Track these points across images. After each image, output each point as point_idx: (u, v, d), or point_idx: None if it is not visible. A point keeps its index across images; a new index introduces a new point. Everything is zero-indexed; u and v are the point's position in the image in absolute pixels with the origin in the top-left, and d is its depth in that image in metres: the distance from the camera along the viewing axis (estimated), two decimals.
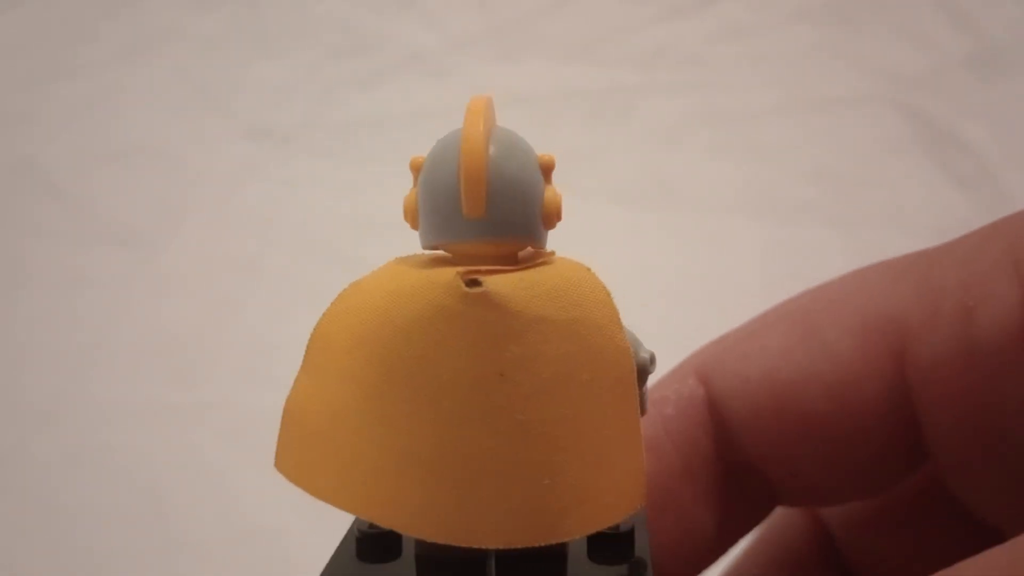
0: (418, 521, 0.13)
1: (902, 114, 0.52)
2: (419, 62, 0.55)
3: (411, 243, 0.16)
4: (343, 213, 0.50)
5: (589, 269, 0.15)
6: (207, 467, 0.42)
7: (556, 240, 0.15)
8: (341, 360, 0.14)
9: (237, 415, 0.43)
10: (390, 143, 0.52)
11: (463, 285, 0.13)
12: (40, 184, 0.52)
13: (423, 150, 0.14)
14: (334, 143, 0.53)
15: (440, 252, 0.15)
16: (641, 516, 0.17)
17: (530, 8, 0.57)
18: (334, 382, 0.14)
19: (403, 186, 0.15)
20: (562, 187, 0.15)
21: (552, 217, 0.14)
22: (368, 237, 0.45)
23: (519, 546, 0.13)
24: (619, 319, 0.14)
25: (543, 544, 0.13)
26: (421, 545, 0.15)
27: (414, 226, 0.14)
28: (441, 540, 0.13)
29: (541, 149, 0.14)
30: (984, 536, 0.17)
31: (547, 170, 0.14)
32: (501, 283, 0.13)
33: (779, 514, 0.23)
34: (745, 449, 0.19)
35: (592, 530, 0.14)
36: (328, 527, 0.17)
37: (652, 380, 0.16)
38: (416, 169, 0.14)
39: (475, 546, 0.13)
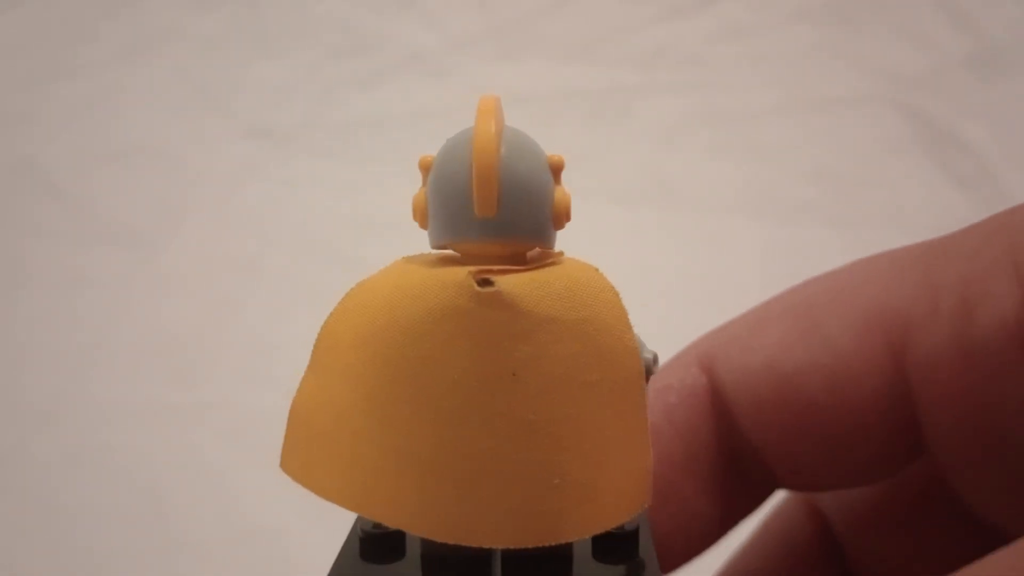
0: (424, 520, 0.13)
1: (902, 114, 0.52)
2: (419, 62, 0.55)
3: (411, 243, 0.16)
4: (343, 213, 0.50)
5: (597, 269, 0.15)
6: (207, 467, 0.42)
7: (557, 240, 0.15)
8: (348, 359, 0.14)
9: (237, 415, 0.43)
10: (390, 143, 0.52)
11: (475, 285, 0.13)
12: (40, 184, 0.52)
13: (423, 150, 0.14)
14: (334, 143, 0.53)
15: (448, 252, 0.15)
16: (643, 514, 0.17)
17: (530, 8, 0.57)
18: (340, 381, 0.14)
19: (403, 186, 0.15)
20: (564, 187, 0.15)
21: (561, 217, 0.14)
22: (368, 237, 0.45)
23: (525, 546, 0.13)
24: (628, 320, 0.14)
25: (549, 544, 0.13)
26: (427, 545, 0.15)
27: (423, 225, 0.14)
28: (447, 540, 0.13)
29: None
30: (984, 534, 0.17)
31: (556, 170, 0.14)
32: (512, 283, 0.13)
33: (781, 510, 0.23)
34: (746, 437, 0.19)
35: (598, 530, 0.14)
36: (328, 527, 0.17)
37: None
38: (425, 168, 0.14)
39: (481, 546, 0.13)
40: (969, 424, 0.17)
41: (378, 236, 0.39)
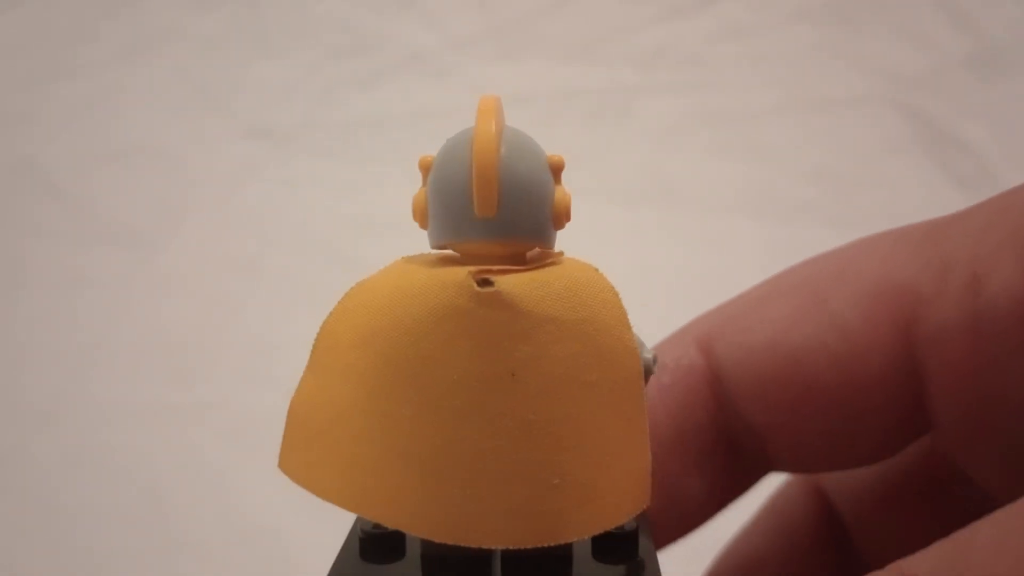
0: (423, 521, 0.13)
1: (902, 114, 0.52)
2: (419, 62, 0.55)
3: (411, 243, 0.16)
4: (343, 213, 0.50)
5: (597, 270, 0.15)
6: (207, 467, 0.42)
7: (557, 240, 0.15)
8: (347, 359, 0.14)
9: (237, 415, 0.43)
10: (390, 143, 0.52)
11: (475, 285, 0.13)
12: (40, 184, 0.52)
13: (423, 150, 0.14)
14: (334, 143, 0.53)
15: (448, 252, 0.15)
16: (643, 514, 0.17)
17: (530, 8, 0.57)
18: (340, 381, 0.14)
19: (403, 186, 0.15)
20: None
21: (561, 217, 0.14)
22: (368, 237, 0.45)
23: (525, 546, 0.13)
24: (627, 320, 0.14)
25: (549, 545, 0.13)
26: (427, 545, 0.15)
27: (423, 225, 0.14)
28: (447, 540, 0.13)
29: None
30: (990, 510, 0.16)
31: (557, 170, 0.14)
32: (512, 283, 0.13)
33: (784, 490, 0.23)
34: (746, 417, 0.19)
35: (598, 530, 0.14)
36: (328, 527, 0.17)
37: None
38: (425, 168, 0.14)
39: (481, 546, 0.13)
40: (977, 400, 0.17)
41: (378, 236, 0.39)
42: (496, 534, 0.13)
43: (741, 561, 0.23)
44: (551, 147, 0.14)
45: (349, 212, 0.50)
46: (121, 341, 0.46)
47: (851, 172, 0.51)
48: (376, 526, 0.15)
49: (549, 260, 0.14)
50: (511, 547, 0.13)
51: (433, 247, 0.15)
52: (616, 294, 0.14)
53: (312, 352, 0.15)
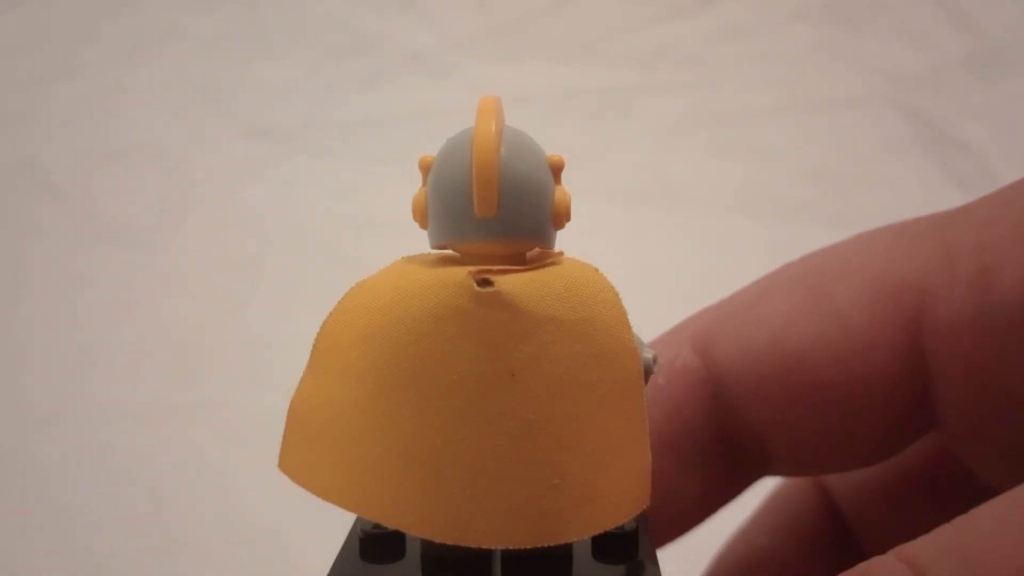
0: (423, 521, 0.13)
1: (902, 114, 0.52)
2: (419, 62, 0.55)
3: (411, 243, 0.16)
4: (343, 213, 0.50)
5: (597, 270, 0.15)
6: (207, 467, 0.42)
7: (557, 240, 0.15)
8: (347, 359, 0.14)
9: (237, 415, 0.43)
10: (390, 143, 0.52)
11: (475, 285, 0.13)
12: (40, 184, 0.52)
13: (423, 150, 0.14)
14: (334, 143, 0.53)
15: (448, 252, 0.15)
16: (644, 514, 0.17)
17: (530, 8, 0.57)
18: (340, 381, 0.14)
19: (403, 186, 0.15)
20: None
21: (561, 217, 0.14)
22: (368, 237, 0.45)
23: (525, 546, 0.13)
24: (627, 320, 0.14)
25: (550, 545, 0.13)
26: (427, 545, 0.15)
27: (423, 225, 0.14)
28: (447, 540, 0.13)
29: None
30: None
31: (556, 170, 0.14)
32: (512, 283, 0.13)
33: (786, 485, 0.23)
34: (745, 418, 0.19)
35: (598, 530, 0.14)
36: (328, 527, 0.17)
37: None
38: (425, 168, 0.14)
39: (481, 546, 0.13)
40: (984, 390, 0.16)
41: (378, 236, 0.39)
42: (496, 534, 0.13)
43: (742, 559, 0.23)
44: (551, 147, 0.14)
45: (349, 212, 0.50)
46: (121, 341, 0.46)
47: (851, 172, 0.51)
48: (376, 526, 0.15)
49: (549, 260, 0.14)
50: (511, 547, 0.13)
51: (433, 247, 0.15)
52: (616, 294, 0.14)
53: (312, 352, 0.15)
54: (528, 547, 0.13)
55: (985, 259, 0.16)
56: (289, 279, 0.48)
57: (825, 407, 0.18)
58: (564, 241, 0.15)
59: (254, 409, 0.42)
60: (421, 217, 0.14)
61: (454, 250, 0.14)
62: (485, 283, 0.13)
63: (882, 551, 0.21)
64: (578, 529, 0.13)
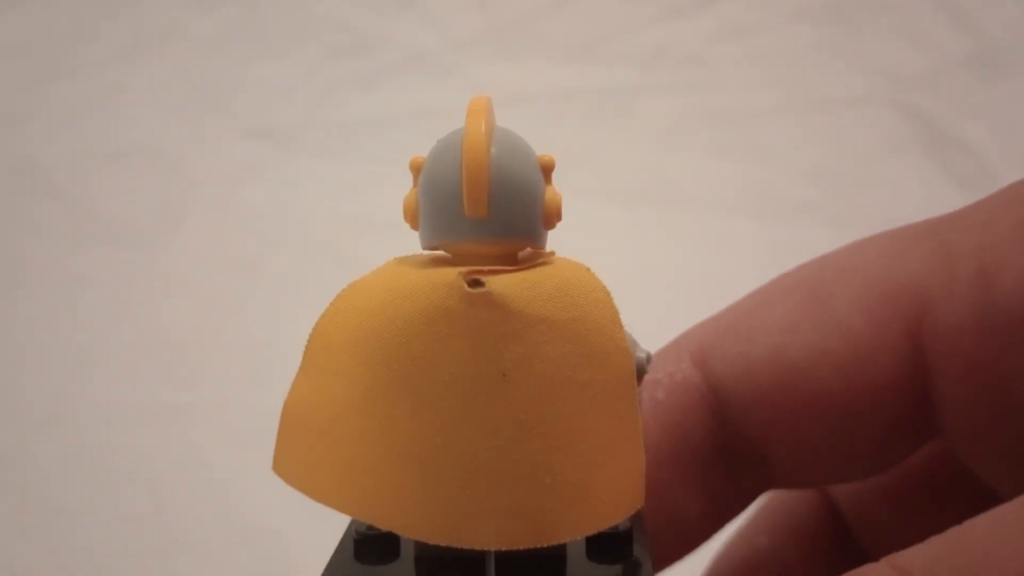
0: (415, 522, 0.13)
1: (902, 114, 0.52)
2: (419, 62, 0.55)
3: (411, 243, 0.16)
4: (343, 213, 0.50)
5: (589, 269, 0.15)
6: (207, 467, 0.42)
7: (556, 240, 0.15)
8: (339, 360, 0.14)
9: (237, 415, 0.43)
10: (390, 143, 0.52)
11: (465, 285, 0.13)
12: (40, 184, 0.52)
13: (423, 150, 0.14)
14: (334, 143, 0.53)
15: (440, 252, 0.15)
16: (639, 514, 0.17)
17: (530, 8, 0.57)
18: (332, 382, 0.14)
19: (403, 186, 0.15)
20: (562, 187, 0.15)
21: (552, 217, 0.14)
22: (368, 237, 0.45)
23: (518, 547, 0.13)
24: (619, 319, 0.14)
25: (543, 545, 0.13)
26: (420, 546, 0.15)
27: (414, 226, 0.14)
28: (439, 541, 0.13)
29: (541, 149, 0.14)
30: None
31: (547, 170, 0.14)
32: (503, 283, 0.13)
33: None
34: (745, 431, 0.19)
35: (592, 531, 0.14)
36: (328, 527, 0.17)
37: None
38: (416, 169, 0.14)
39: (474, 547, 0.13)
40: (985, 394, 0.16)
41: (378, 236, 0.39)
42: (490, 535, 0.13)
43: (742, 560, 0.23)
44: (551, 147, 0.14)
45: (349, 212, 0.50)
46: (121, 341, 0.46)
47: (851, 172, 0.51)
48: (371, 527, 0.15)
49: (541, 260, 0.14)
50: (505, 548, 0.13)
51: (424, 248, 0.15)
52: (608, 294, 0.14)
53: (305, 353, 0.15)
54: (522, 548, 0.13)
55: (985, 260, 0.16)
56: (289, 279, 0.48)
57: (826, 416, 0.18)
58: (564, 241, 0.15)
59: (254, 409, 0.42)
60: (412, 218, 0.14)
61: (445, 251, 0.14)
62: (475, 284, 0.13)
63: (883, 552, 0.21)
64: (571, 529, 0.13)
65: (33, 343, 0.46)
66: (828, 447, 0.18)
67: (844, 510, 0.22)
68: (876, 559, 0.22)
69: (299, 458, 0.14)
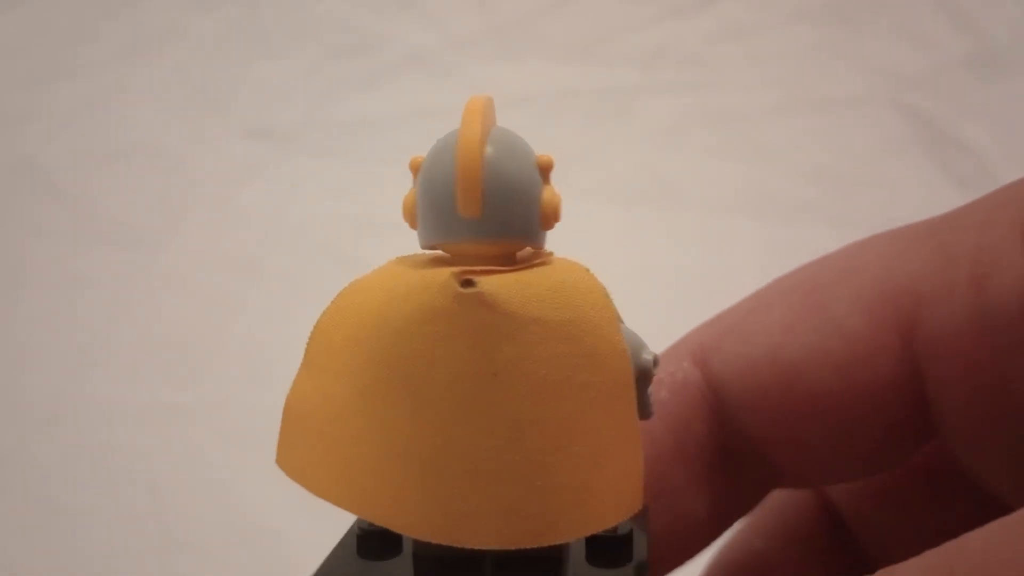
0: (410, 519, 0.13)
1: (902, 114, 0.52)
2: (419, 62, 0.55)
3: (411, 243, 0.16)
4: (343, 213, 0.50)
5: (587, 270, 0.15)
6: (207, 467, 0.42)
7: (556, 240, 0.15)
8: (339, 358, 0.14)
9: (237, 415, 0.43)
10: (390, 143, 0.52)
11: (457, 285, 0.13)
12: (40, 184, 0.52)
13: (423, 150, 0.14)
14: (334, 143, 0.53)
15: (439, 252, 0.15)
16: (641, 517, 0.17)
17: (530, 8, 0.57)
18: (331, 380, 0.14)
19: (403, 186, 0.15)
20: (562, 187, 0.15)
21: (550, 218, 0.14)
22: (368, 237, 0.45)
23: (512, 547, 0.13)
24: (616, 320, 0.14)
25: (536, 546, 0.13)
26: (419, 544, 0.15)
27: (413, 226, 0.14)
28: (433, 539, 0.13)
29: (541, 149, 0.14)
30: (993, 510, 0.16)
31: (545, 170, 0.14)
32: (496, 284, 0.13)
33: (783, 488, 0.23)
34: (746, 432, 0.19)
35: (587, 533, 0.14)
36: (328, 527, 0.17)
37: None
38: (415, 169, 0.14)
39: (467, 546, 0.13)
40: (981, 399, 0.16)
41: (378, 236, 0.39)
42: (483, 534, 0.13)
43: (737, 564, 0.23)
44: (551, 147, 0.14)
45: (349, 212, 0.50)
46: (121, 341, 0.46)
47: (851, 172, 0.51)
48: (371, 523, 0.15)
49: (538, 260, 0.14)
50: (500, 548, 0.13)
51: (423, 247, 0.15)
52: (606, 294, 0.14)
53: (306, 350, 0.15)
54: (517, 548, 0.13)
55: (982, 262, 0.16)
56: (289, 279, 0.48)
57: (825, 416, 0.18)
58: (564, 241, 0.15)
59: (254, 409, 0.42)
60: (410, 217, 0.14)
61: (444, 250, 0.14)
62: (468, 284, 0.13)
63: (882, 551, 0.21)
64: (567, 531, 0.13)
65: (33, 343, 0.46)
66: (828, 447, 0.18)
67: (843, 511, 0.22)
68: (875, 560, 0.22)
69: (299, 453, 0.14)
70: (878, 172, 0.51)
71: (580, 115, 0.53)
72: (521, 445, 0.13)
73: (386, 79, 0.55)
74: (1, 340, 0.47)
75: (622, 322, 0.15)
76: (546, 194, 0.14)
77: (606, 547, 0.15)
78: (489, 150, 0.13)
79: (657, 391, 0.19)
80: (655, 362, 0.15)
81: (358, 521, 0.15)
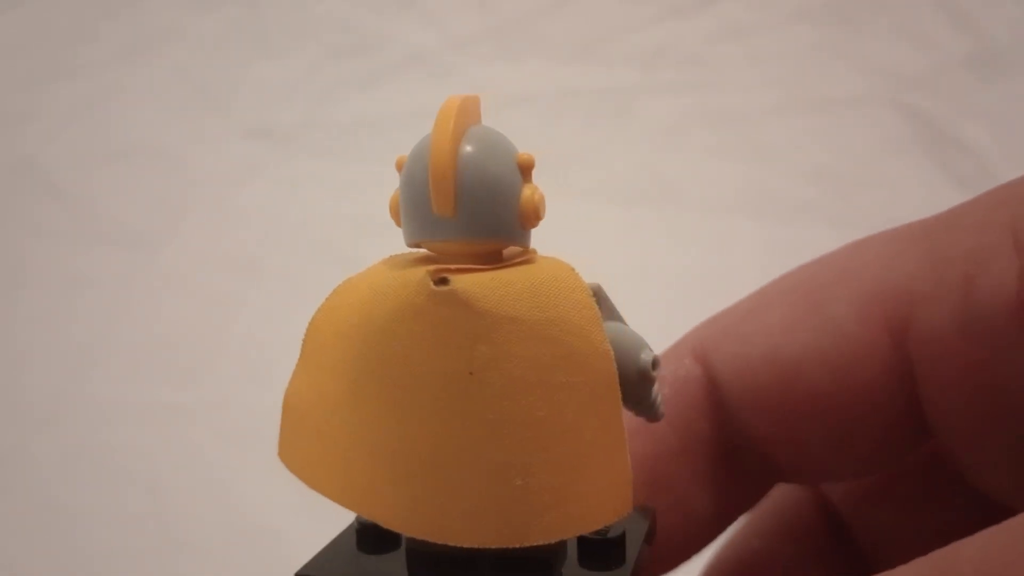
0: (394, 515, 0.13)
1: (902, 114, 0.52)
2: (419, 62, 0.55)
3: None
4: (343, 213, 0.50)
5: (572, 269, 0.14)
6: (207, 467, 0.42)
7: (555, 240, 0.15)
8: (331, 355, 0.14)
9: (237, 415, 0.43)
10: (390, 143, 0.51)
11: (431, 284, 0.13)
12: (40, 184, 0.52)
13: None
14: (334, 143, 0.53)
15: (425, 251, 0.15)
16: (648, 518, 0.17)
17: (530, 8, 0.57)
18: (326, 376, 0.14)
19: None
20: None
21: (530, 217, 0.14)
22: (368, 237, 0.45)
23: (492, 546, 0.13)
24: (599, 320, 0.14)
25: (516, 546, 0.13)
26: (410, 539, 0.15)
27: (399, 224, 0.15)
28: (415, 535, 0.13)
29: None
30: (989, 510, 0.16)
31: (525, 169, 0.14)
32: (470, 282, 0.13)
33: (781, 486, 0.23)
34: (745, 429, 0.19)
35: (569, 534, 0.14)
36: (328, 527, 0.17)
37: None
38: (400, 168, 0.14)
39: (447, 543, 0.13)
40: (972, 400, 0.16)
41: (378, 236, 0.39)
42: (462, 532, 0.13)
43: (735, 563, 0.23)
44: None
45: (349, 212, 0.50)
46: (121, 341, 0.46)
47: (851, 172, 0.51)
48: None
49: (520, 259, 0.14)
50: (479, 546, 0.13)
51: (407, 245, 0.15)
52: (589, 294, 0.14)
53: (302, 347, 0.15)
54: (493, 547, 0.13)
55: (975, 262, 0.16)
56: (289, 279, 0.48)
57: (822, 416, 0.18)
58: (564, 241, 0.15)
59: (254, 409, 0.42)
60: (396, 215, 0.14)
61: (427, 248, 0.14)
62: (443, 282, 0.13)
63: (880, 551, 0.21)
64: (546, 532, 0.13)
65: (33, 343, 0.46)
66: (826, 446, 0.18)
67: (841, 510, 0.22)
68: (873, 559, 0.22)
69: (297, 447, 0.15)
70: (878, 172, 0.51)
71: (580, 115, 0.53)
72: (498, 444, 0.13)
73: (386, 79, 0.55)
74: (1, 340, 0.47)
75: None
76: (526, 192, 0.14)
77: (597, 549, 0.15)
78: (467, 148, 0.13)
79: (660, 387, 0.19)
80: (655, 363, 0.15)
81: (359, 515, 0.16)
